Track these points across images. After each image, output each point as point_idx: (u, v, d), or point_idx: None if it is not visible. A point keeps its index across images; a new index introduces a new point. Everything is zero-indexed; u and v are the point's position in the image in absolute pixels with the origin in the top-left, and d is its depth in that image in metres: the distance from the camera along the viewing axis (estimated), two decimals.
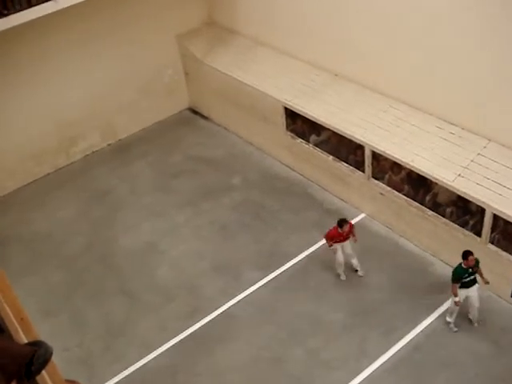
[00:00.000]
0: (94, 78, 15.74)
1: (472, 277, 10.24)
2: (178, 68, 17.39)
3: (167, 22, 16.42)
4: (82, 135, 16.25)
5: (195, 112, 17.75)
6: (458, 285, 10.22)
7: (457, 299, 10.28)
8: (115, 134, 16.89)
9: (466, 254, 9.99)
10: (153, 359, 10.82)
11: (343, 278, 11.94)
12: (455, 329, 10.77)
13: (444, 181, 11.13)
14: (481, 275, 10.46)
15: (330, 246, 11.55)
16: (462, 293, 10.33)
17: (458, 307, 10.42)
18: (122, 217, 14.18)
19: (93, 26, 15.01)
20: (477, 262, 10.16)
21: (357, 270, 12.00)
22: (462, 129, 11.63)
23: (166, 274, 12.50)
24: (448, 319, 10.79)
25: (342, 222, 11.22)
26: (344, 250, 11.68)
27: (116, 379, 10.54)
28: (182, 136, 16.85)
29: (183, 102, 17.90)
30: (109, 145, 16.85)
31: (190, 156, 16.02)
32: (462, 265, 10.14)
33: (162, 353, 10.91)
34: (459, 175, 11.03)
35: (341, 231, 11.25)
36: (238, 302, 11.66)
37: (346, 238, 11.50)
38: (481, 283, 10.48)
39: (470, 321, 10.77)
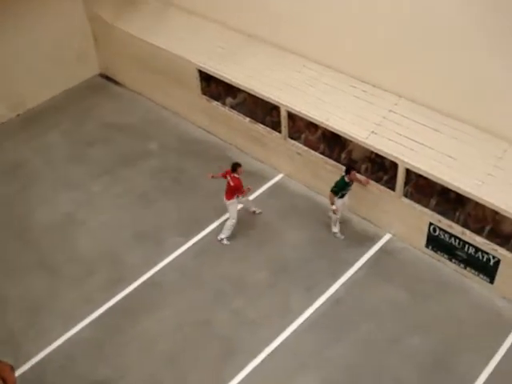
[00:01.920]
0: None
1: (349, 189, 11.54)
2: (86, 33, 16.79)
3: None
4: None
5: (107, 78, 17.28)
6: (338, 196, 11.44)
7: (334, 207, 11.53)
8: (24, 104, 16.22)
9: (348, 170, 11.31)
10: (78, 332, 10.67)
11: (226, 242, 12.10)
12: (342, 237, 11.82)
13: (358, 138, 11.40)
14: (359, 181, 11.61)
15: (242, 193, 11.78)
16: (339, 202, 11.56)
17: (337, 215, 11.70)
18: (36, 190, 13.73)
19: None
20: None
21: (254, 211, 12.53)
22: (374, 86, 11.87)
23: (86, 246, 12.27)
24: (334, 230, 11.97)
25: (236, 166, 11.58)
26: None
27: (42, 354, 10.33)
28: (94, 103, 16.40)
29: (94, 68, 17.38)
30: (18, 115, 16.18)
31: (104, 123, 15.64)
32: (346, 179, 11.33)
33: (87, 325, 10.77)
34: (372, 132, 11.31)
35: (237, 176, 11.55)
36: (162, 268, 11.64)
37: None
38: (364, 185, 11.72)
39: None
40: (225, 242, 11.99)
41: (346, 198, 11.72)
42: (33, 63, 15.89)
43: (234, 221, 11.87)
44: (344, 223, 12.19)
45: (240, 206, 12.18)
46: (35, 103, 16.40)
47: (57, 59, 16.33)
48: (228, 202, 11.77)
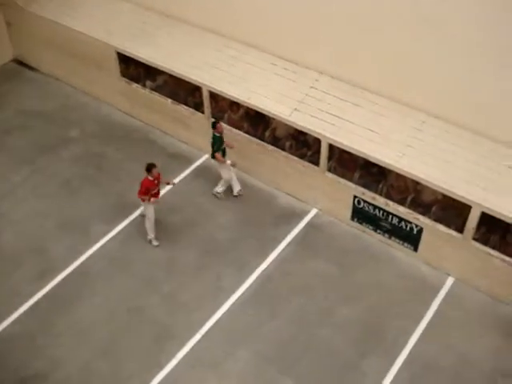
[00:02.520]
0: None
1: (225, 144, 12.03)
2: None
3: None
4: None
5: (22, 64, 16.66)
6: (222, 153, 11.90)
7: (229, 161, 11.86)
8: None
9: (214, 124, 11.70)
10: (9, 326, 10.36)
11: (155, 243, 11.66)
12: (223, 196, 12.36)
13: (281, 116, 11.49)
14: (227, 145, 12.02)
15: (149, 200, 11.12)
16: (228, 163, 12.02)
17: (232, 172, 12.18)
18: None
19: None
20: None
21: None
22: (296, 64, 11.97)
23: (9, 239, 11.89)
24: (217, 190, 12.42)
25: (151, 167, 10.85)
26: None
27: None
28: (9, 90, 15.79)
29: (7, 53, 16.71)
30: None
31: (20, 111, 15.10)
32: (215, 133, 11.72)
33: (17, 318, 10.47)
34: (295, 109, 11.42)
35: (151, 178, 10.90)
36: (89, 257, 11.43)
37: (158, 186, 11.23)
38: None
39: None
40: (154, 243, 11.63)
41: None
42: None
43: (152, 220, 11.46)
44: (270, 199, 12.32)
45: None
46: None
47: None
48: (142, 203, 11.41)
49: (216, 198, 12.34)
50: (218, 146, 11.83)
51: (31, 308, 10.66)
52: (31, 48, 16.17)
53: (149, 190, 11.02)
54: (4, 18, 16.17)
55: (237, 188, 12.31)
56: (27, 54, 16.43)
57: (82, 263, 11.33)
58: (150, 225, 11.50)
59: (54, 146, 13.94)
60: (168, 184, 11.83)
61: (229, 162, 11.84)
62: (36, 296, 10.81)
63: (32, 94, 15.59)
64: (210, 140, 11.80)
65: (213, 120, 11.94)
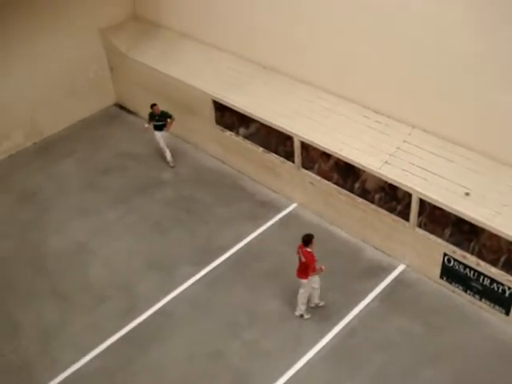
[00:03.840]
0: (16, 77, 15.26)
1: (160, 123, 14.74)
2: (102, 63, 17.07)
3: (90, 16, 16.10)
4: (5, 135, 15.74)
5: (122, 107, 17.48)
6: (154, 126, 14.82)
7: (147, 125, 14.89)
8: (40, 133, 16.43)
9: (152, 106, 14.45)
10: (90, 361, 10.59)
11: (307, 316, 11.01)
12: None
13: (371, 168, 11.37)
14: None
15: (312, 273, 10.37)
16: (157, 134, 14.87)
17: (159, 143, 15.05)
18: (50, 217, 13.81)
19: (13, 22, 14.55)
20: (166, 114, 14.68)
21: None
22: (388, 117, 11.90)
23: (98, 274, 12.27)
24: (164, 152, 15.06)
25: (311, 238, 10.16)
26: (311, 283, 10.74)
27: (53, 383, 10.29)
28: (109, 132, 16.57)
29: (109, 97, 17.59)
30: (34, 144, 16.39)
31: (118, 152, 15.77)
32: (152, 111, 14.51)
33: (98, 354, 10.70)
34: (386, 162, 11.29)
35: (310, 250, 10.22)
36: (173, 298, 11.56)
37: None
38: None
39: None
40: (305, 316, 10.99)
41: (163, 133, 14.90)
42: (49, 92, 16.14)
43: (306, 294, 10.74)
44: (357, 252, 12.14)
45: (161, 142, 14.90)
46: (51, 132, 16.60)
47: (74, 89, 16.60)
48: (301, 282, 10.55)
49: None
50: (150, 119, 14.75)
51: (113, 344, 10.85)
52: (131, 93, 16.94)
53: (314, 266, 10.27)
54: (108, 64, 17.08)
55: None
56: (127, 99, 17.21)
57: (165, 303, 11.47)
58: (304, 300, 10.81)
59: (148, 188, 14.40)
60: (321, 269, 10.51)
61: (146, 125, 14.97)
62: (119, 333, 11.01)
63: (130, 137, 16.25)
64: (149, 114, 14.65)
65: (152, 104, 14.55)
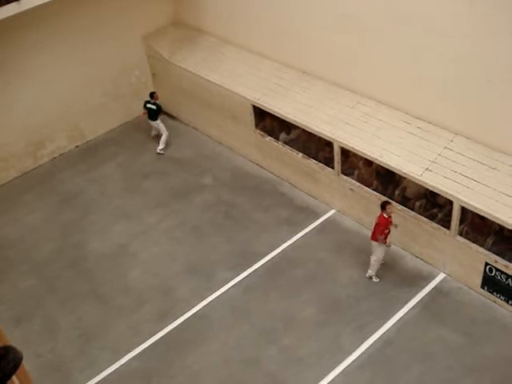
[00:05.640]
0: (60, 81, 15.59)
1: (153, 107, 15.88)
2: (144, 69, 17.29)
3: (133, 22, 16.33)
4: (50, 138, 16.07)
5: (164, 112, 17.63)
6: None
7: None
8: (83, 136, 16.74)
9: (152, 94, 15.83)
10: (126, 363, 10.73)
11: (376, 280, 11.68)
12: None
13: (412, 175, 11.21)
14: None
15: (385, 242, 11.18)
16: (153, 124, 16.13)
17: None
18: (92, 220, 14.04)
19: (58, 29, 14.87)
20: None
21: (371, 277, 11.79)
22: (429, 123, 11.73)
23: (138, 277, 12.41)
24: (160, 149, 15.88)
25: (385, 204, 10.87)
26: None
27: None
28: (151, 137, 16.75)
29: None
30: (77, 147, 16.69)
31: (159, 157, 15.93)
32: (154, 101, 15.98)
33: (135, 356, 10.82)
34: (427, 169, 11.12)
35: (387, 216, 10.88)
36: (211, 302, 11.61)
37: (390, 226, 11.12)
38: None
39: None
40: (374, 279, 11.64)
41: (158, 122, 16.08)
42: (92, 97, 16.45)
43: (375, 257, 11.40)
44: (396, 259, 11.99)
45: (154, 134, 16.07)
46: (94, 135, 16.91)
47: (116, 94, 16.88)
48: (372, 244, 11.40)
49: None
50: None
51: (150, 347, 10.96)
52: (173, 98, 17.10)
53: (383, 230, 11.00)
54: (150, 69, 17.30)
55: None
56: (168, 104, 17.37)
57: (203, 308, 11.53)
58: (377, 263, 11.45)
59: (188, 192, 14.50)
60: (395, 227, 11.32)
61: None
62: (156, 336, 11.11)
63: (171, 142, 16.40)
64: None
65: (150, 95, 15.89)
